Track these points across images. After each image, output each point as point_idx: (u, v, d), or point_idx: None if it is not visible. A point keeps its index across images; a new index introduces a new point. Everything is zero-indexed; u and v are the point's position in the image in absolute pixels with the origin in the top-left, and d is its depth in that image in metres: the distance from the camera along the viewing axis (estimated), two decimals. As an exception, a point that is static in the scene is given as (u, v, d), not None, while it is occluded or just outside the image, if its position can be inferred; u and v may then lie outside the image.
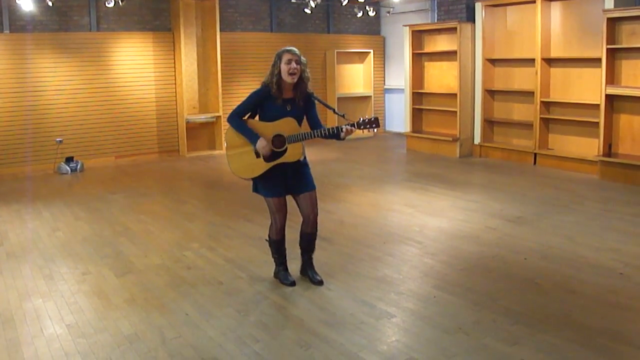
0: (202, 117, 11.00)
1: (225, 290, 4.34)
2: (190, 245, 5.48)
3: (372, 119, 4.12)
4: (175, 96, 10.82)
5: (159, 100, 10.70)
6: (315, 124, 4.27)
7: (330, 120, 12.09)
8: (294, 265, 4.63)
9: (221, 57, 10.92)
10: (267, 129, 4.13)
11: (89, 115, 10.01)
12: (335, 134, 4.13)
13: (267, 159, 4.15)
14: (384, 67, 13.62)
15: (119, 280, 4.59)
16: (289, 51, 4.11)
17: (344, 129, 4.10)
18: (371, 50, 12.91)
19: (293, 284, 4.39)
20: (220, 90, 10.90)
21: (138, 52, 10.38)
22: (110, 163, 10.16)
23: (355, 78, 13.10)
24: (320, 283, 4.40)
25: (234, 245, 5.45)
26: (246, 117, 4.22)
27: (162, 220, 6.40)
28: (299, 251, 4.52)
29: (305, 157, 4.30)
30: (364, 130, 4.13)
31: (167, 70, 10.72)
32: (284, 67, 4.07)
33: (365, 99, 12.95)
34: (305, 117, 4.27)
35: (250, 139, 4.13)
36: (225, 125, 10.85)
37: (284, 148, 4.14)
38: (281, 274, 4.47)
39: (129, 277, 4.67)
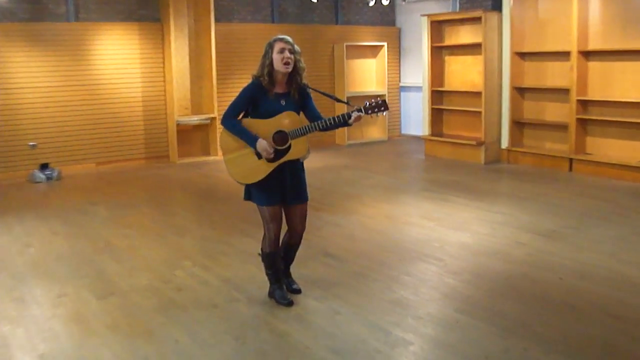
0: (194, 119, 11.02)
1: (220, 315, 4.33)
2: (182, 263, 5.47)
3: (380, 101, 4.22)
4: (165, 95, 10.85)
5: (146, 100, 10.74)
6: (314, 117, 4.34)
7: (339, 112, 12.06)
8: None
9: (216, 52, 10.96)
10: (267, 125, 4.20)
11: (67, 116, 10.05)
12: (342, 123, 4.20)
13: (271, 159, 4.21)
14: (400, 63, 13.62)
15: (99, 303, 4.58)
16: (281, 39, 4.20)
17: (352, 116, 4.16)
18: (385, 44, 12.92)
19: (290, 303, 4.41)
20: (215, 89, 10.93)
21: (122, 45, 10.42)
22: (90, 170, 10.18)
23: (367, 75, 13.11)
24: (298, 291, 4.57)
25: (230, 263, 5.44)
26: (240, 117, 4.31)
27: (150, 235, 6.40)
28: (301, 272, 4.52)
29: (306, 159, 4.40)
30: (372, 115, 4.21)
31: (156, 66, 10.76)
32: (276, 57, 4.16)
33: (378, 97, 12.92)
34: (303, 112, 4.35)
35: (248, 142, 4.20)
36: (221, 127, 10.87)
37: (287, 145, 4.20)
38: (277, 293, 4.48)
39: (112, 299, 4.66)
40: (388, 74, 13.08)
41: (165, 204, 7.89)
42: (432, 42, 10.93)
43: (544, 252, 5.53)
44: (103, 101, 10.34)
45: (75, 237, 6.38)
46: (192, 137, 11.22)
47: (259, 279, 4.91)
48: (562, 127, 9.39)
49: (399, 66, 13.63)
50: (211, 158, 11.07)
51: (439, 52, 11.10)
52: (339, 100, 4.46)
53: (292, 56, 4.18)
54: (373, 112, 4.20)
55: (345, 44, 12.47)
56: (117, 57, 10.39)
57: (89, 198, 8.17)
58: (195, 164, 10.72)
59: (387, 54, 12.99)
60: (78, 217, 7.19)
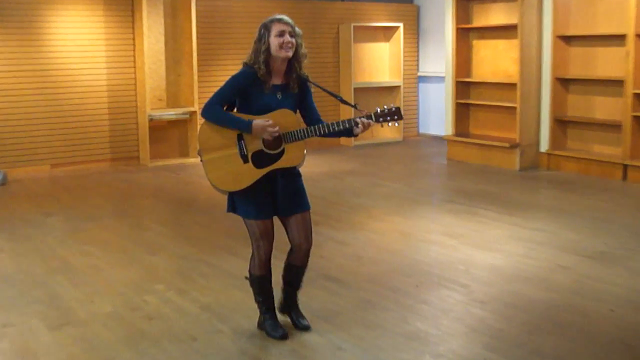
0: (170, 113, 11.04)
1: (200, 349, 4.32)
2: (153, 286, 5.47)
3: (393, 109, 4.25)
4: (135, 84, 10.88)
5: (113, 90, 10.76)
6: (313, 118, 4.36)
7: (344, 114, 12.10)
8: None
9: (197, 32, 10.99)
10: None
11: (15, 108, 10.05)
12: (347, 130, 4.22)
13: (259, 164, 4.18)
14: (418, 48, 13.64)
15: (53, 335, 4.57)
16: (279, 20, 4.19)
17: (359, 123, 4.18)
18: (400, 24, 12.95)
19: (284, 336, 4.40)
20: (195, 77, 10.95)
21: (83, 23, 10.44)
22: (44, 174, 10.19)
23: (379, 62, 13.14)
24: (306, 328, 4.52)
25: (212, 287, 5.44)
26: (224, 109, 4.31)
27: (115, 253, 6.40)
28: (298, 298, 4.52)
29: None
30: (383, 124, 4.26)
31: (124, 48, 10.78)
32: (274, 41, 4.14)
33: (391, 90, 12.97)
34: (299, 109, 4.36)
35: (240, 127, 4.16)
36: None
37: (281, 149, 4.19)
38: (268, 323, 4.47)
39: (68, 330, 4.65)
40: (404, 61, 13.11)
41: (134, 215, 7.89)
42: (457, 22, 10.94)
43: (591, 278, 5.52)
44: (60, 90, 10.35)
45: (23, 254, 6.37)
46: (167, 134, 11.23)
47: (246, 306, 4.90)
48: (614, 127, 9.39)
49: (417, 52, 13.65)
50: (190, 160, 11.07)
51: (465, 35, 11.12)
52: (344, 102, 4.42)
53: (293, 40, 4.17)
54: (385, 120, 4.24)
55: (352, 25, 12.50)
56: (77, 37, 10.41)
57: (41, 207, 8.17)
58: (171, 167, 10.73)
59: (403, 37, 13.02)
60: (28, 230, 7.18)
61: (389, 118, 4.23)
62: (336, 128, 4.19)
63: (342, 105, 11.70)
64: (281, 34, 4.13)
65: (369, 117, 4.21)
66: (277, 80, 4.25)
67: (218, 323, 4.72)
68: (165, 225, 7.57)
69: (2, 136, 9.97)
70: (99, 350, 4.34)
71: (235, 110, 4.30)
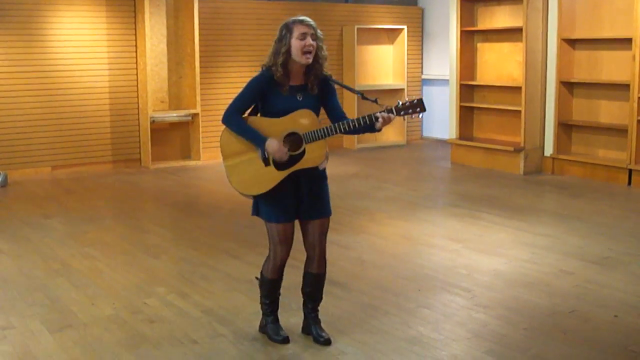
0: (173, 115, 11.05)
1: (201, 352, 4.34)
2: (154, 289, 5.49)
3: (415, 101, 4.18)
4: (137, 86, 10.89)
5: (114, 91, 10.77)
6: (338, 116, 4.32)
7: (350, 110, 12.08)
8: (296, 319, 4.65)
9: (200, 34, 10.99)
10: (277, 126, 4.18)
11: (15, 109, 10.06)
12: (368, 125, 4.17)
13: (280, 166, 4.18)
14: (422, 50, 13.65)
15: (53, 338, 4.59)
16: (302, 22, 4.16)
17: (379, 118, 4.13)
18: (405, 27, 12.96)
19: (286, 340, 4.41)
20: (198, 79, 10.94)
21: (85, 23, 10.45)
22: (45, 176, 10.21)
23: (383, 64, 13.14)
24: (326, 343, 4.44)
25: (213, 290, 5.46)
26: (246, 114, 4.28)
27: (116, 256, 6.42)
28: (300, 302, 4.53)
29: (324, 167, 4.33)
30: (406, 117, 4.19)
31: (126, 49, 10.79)
32: (296, 44, 4.11)
33: (395, 92, 12.95)
34: (324, 109, 4.33)
35: (254, 142, 4.17)
36: (206, 125, 10.91)
37: (301, 150, 4.18)
38: (270, 327, 4.48)
39: (68, 333, 4.67)
40: (408, 64, 13.11)
41: (135, 217, 7.91)
42: (461, 25, 10.94)
43: (595, 283, 5.53)
44: (61, 92, 10.37)
45: (24, 256, 6.39)
46: (169, 137, 11.24)
47: (247, 309, 4.93)
48: (619, 131, 9.39)
49: (421, 55, 13.66)
50: (192, 163, 11.10)
51: (470, 37, 11.12)
52: (365, 98, 4.36)
53: (315, 43, 4.14)
54: (407, 113, 4.17)
55: (356, 27, 12.51)
56: (78, 38, 10.43)
57: (42, 209, 8.19)
58: (173, 169, 10.74)
59: (407, 40, 13.03)
60: (28, 232, 7.20)
61: (411, 111, 4.17)
62: (357, 124, 4.14)
63: (349, 103, 11.74)
64: (303, 36, 4.10)
65: (389, 111, 4.15)
66: (296, 81, 4.23)
67: (219, 326, 4.74)
68: (166, 228, 7.59)
69: (3, 137, 9.98)
70: (100, 353, 4.35)
71: (258, 114, 4.28)
